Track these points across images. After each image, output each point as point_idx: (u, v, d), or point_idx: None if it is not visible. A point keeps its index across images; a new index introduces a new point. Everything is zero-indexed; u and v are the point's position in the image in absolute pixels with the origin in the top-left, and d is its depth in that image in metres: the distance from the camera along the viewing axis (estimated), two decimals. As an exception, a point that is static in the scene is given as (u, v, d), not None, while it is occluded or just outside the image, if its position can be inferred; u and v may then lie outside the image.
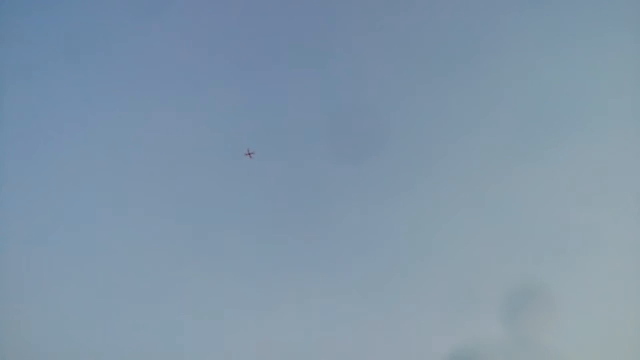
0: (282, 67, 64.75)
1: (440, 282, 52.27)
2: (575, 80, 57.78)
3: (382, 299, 53.30)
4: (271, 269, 56.15)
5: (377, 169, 60.40)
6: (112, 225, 57.88)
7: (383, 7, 63.39)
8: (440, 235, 56.13)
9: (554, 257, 50.45)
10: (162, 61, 64.08)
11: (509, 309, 48.55)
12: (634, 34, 54.78)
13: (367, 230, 58.13)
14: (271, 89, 64.78)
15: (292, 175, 62.12)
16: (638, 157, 52.06)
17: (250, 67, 64.89)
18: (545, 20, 59.36)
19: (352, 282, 54.58)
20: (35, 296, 51.36)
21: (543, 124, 57.45)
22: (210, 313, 53.01)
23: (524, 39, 59.82)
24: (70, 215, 57.60)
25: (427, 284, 53.17)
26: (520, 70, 59.77)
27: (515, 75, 59.77)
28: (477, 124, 59.75)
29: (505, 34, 59.96)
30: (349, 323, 51.97)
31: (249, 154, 59.90)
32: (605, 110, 55.69)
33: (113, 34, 62.59)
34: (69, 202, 58.29)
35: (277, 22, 65.25)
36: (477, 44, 60.29)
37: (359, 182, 60.77)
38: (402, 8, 62.72)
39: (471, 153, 59.21)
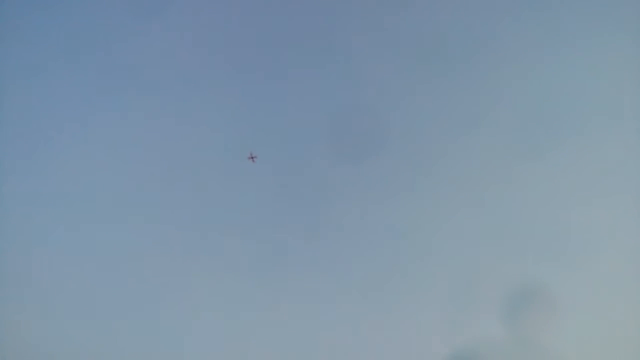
0: (282, 67, 64.76)
1: (441, 282, 52.28)
2: (576, 80, 57.79)
3: (382, 299, 53.32)
4: (271, 269, 56.16)
5: (376, 169, 60.44)
6: (112, 225, 57.90)
7: (383, 7, 63.42)
8: (440, 236, 56.14)
9: (554, 257, 50.43)
10: (162, 61, 64.13)
11: (509, 309, 48.55)
12: (635, 34, 54.77)
13: (367, 231, 58.16)
14: (271, 89, 64.82)
15: (292, 175, 62.16)
16: (639, 158, 52.07)
17: (250, 67, 64.93)
18: (546, 20, 59.40)
19: (352, 282, 54.60)
20: (35, 296, 51.39)
21: (544, 124, 57.44)
22: (210, 313, 53.03)
23: (525, 39, 59.85)
24: (71, 215, 57.65)
25: (427, 284, 53.19)
26: (521, 70, 59.80)
27: (515, 75, 59.78)
28: (477, 124, 59.74)
29: (505, 33, 59.98)
30: (349, 323, 51.99)
31: (252, 157, 59.90)
32: (607, 111, 55.69)
33: (113, 34, 62.65)
34: (69, 203, 58.33)
35: (277, 22, 65.29)
36: (477, 44, 60.30)
37: (359, 182, 60.80)
38: (402, 8, 62.72)
39: (471, 153, 59.22)
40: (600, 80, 56.69)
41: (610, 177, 53.13)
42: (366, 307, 52.85)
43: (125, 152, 61.77)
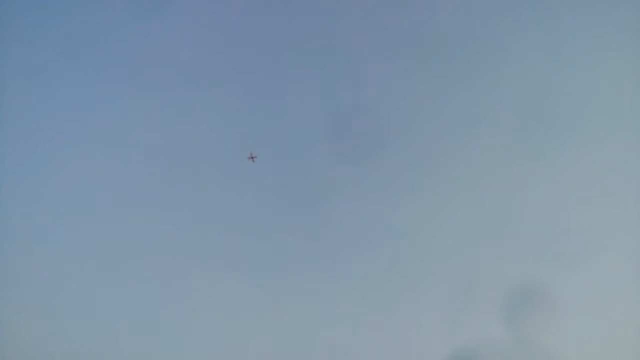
0: (282, 67, 64.76)
1: (441, 282, 52.28)
2: (576, 80, 57.80)
3: (382, 299, 53.32)
4: (271, 269, 56.16)
5: (376, 169, 60.45)
6: (112, 225, 57.89)
7: (383, 7, 63.43)
8: (440, 236, 56.15)
9: (554, 257, 50.43)
10: (162, 61, 64.12)
11: (509, 309, 48.55)
12: (635, 34, 54.78)
13: (367, 231, 58.16)
14: (271, 89, 64.83)
15: (292, 175, 62.16)
16: (639, 158, 52.08)
17: (250, 67, 64.93)
18: (546, 20, 59.40)
19: (352, 282, 54.61)
20: (35, 296, 51.38)
21: (543, 124, 57.46)
22: (210, 313, 53.02)
23: (525, 39, 59.86)
24: (71, 215, 57.65)
25: (427, 284, 53.18)
26: (521, 70, 59.80)
27: (515, 75, 59.79)
28: (477, 124, 59.76)
29: (506, 34, 59.98)
30: (349, 323, 51.99)
31: (252, 158, 59.87)
32: (607, 111, 55.71)
33: (113, 34, 62.64)
34: (69, 203, 58.33)
35: (277, 23, 65.29)
36: (477, 44, 60.31)
37: (359, 182, 60.80)
38: (402, 8, 62.73)
39: (471, 153, 59.23)
40: (601, 81, 56.72)
41: (610, 177, 53.14)
42: (366, 307, 52.87)
43: (125, 152, 61.80)
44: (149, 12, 61.69)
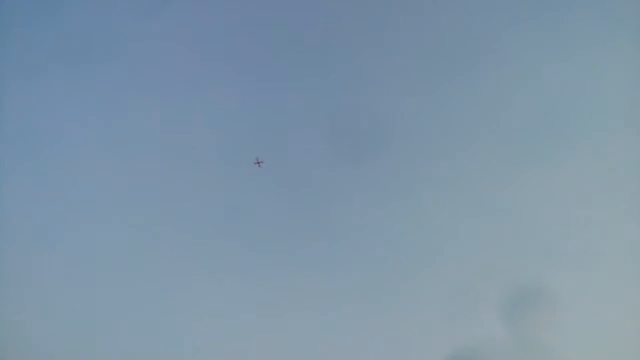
0: (283, 68, 64.76)
1: (442, 282, 52.34)
2: (578, 83, 57.78)
3: (383, 300, 53.36)
4: (271, 269, 56.19)
5: (378, 171, 60.49)
6: (113, 225, 57.91)
7: (385, 9, 63.45)
8: (441, 236, 56.21)
9: (555, 258, 50.48)
10: (162, 62, 64.09)
11: (510, 309, 48.58)
12: (637, 38, 54.83)
13: (369, 232, 58.19)
14: (272, 90, 64.82)
15: (293, 176, 62.18)
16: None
17: (250, 67, 64.94)
18: (549, 23, 59.35)
19: (352, 282, 54.63)
20: (35, 296, 51.38)
21: (545, 127, 57.51)
22: (211, 314, 53.04)
23: (528, 42, 59.84)
24: (71, 215, 57.66)
25: (428, 285, 53.23)
26: (523, 73, 59.81)
27: (517, 78, 59.82)
28: (479, 125, 59.81)
29: (509, 37, 59.99)
30: (350, 323, 52.03)
31: (258, 163, 59.89)
32: (609, 113, 55.72)
33: (113, 34, 62.63)
34: (69, 203, 58.35)
35: (278, 23, 65.29)
36: (480, 47, 60.36)
37: (361, 184, 60.83)
38: (404, 9, 62.77)
39: (472, 155, 59.26)
40: (603, 85, 56.65)
41: (610, 179, 53.20)
42: (367, 307, 52.91)
43: (125, 152, 61.77)
44: (149, 12, 61.74)
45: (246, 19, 65.25)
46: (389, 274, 54.55)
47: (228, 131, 63.62)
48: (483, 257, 52.87)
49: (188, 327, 52.15)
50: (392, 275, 54.55)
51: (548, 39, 59.35)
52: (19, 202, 55.96)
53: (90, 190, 59.18)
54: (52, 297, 51.66)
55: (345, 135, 61.53)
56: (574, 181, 54.83)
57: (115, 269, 54.81)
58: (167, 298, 53.70)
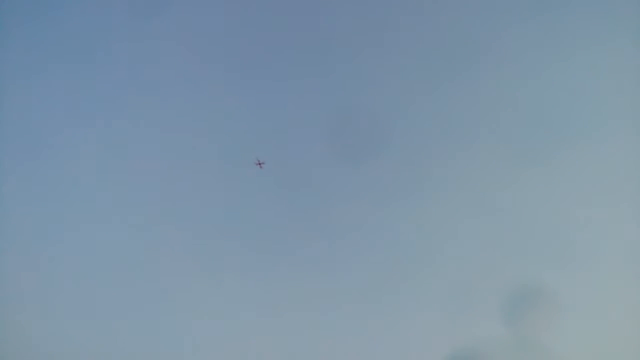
0: (283, 69, 64.73)
1: (443, 283, 52.33)
2: (579, 84, 57.78)
3: (383, 300, 53.35)
4: (272, 270, 56.19)
5: (378, 172, 60.51)
6: (113, 226, 57.91)
7: (385, 9, 63.42)
8: (441, 236, 56.22)
9: (555, 258, 50.48)
10: (162, 62, 64.05)
11: (509, 309, 48.58)
12: (637, 37, 54.81)
13: (369, 232, 58.20)
14: (273, 90, 64.80)
15: (294, 177, 62.17)
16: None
17: (250, 68, 64.91)
18: (549, 23, 59.32)
19: (352, 282, 54.63)
20: (35, 296, 51.37)
21: (545, 127, 57.53)
22: (212, 314, 53.05)
23: (528, 42, 59.83)
24: (71, 215, 57.65)
25: (428, 285, 53.22)
26: (523, 73, 59.81)
27: (517, 77, 59.82)
28: (479, 126, 59.81)
29: (509, 37, 59.96)
30: (350, 323, 52.03)
31: (259, 164, 59.93)
32: (609, 113, 55.71)
33: (113, 34, 62.62)
34: (69, 203, 58.33)
35: (278, 24, 65.26)
36: (481, 47, 60.32)
37: (361, 184, 60.84)
38: (404, 9, 62.75)
39: (472, 155, 59.26)
40: (603, 85, 56.65)
41: (610, 180, 53.19)
42: (367, 307, 52.91)
43: (125, 152, 61.76)
44: (149, 12, 61.69)
45: (246, 19, 65.26)
46: (389, 274, 54.55)
47: (228, 131, 63.68)
48: (483, 257, 52.88)
49: (188, 326, 52.15)
50: (392, 275, 54.56)
51: (548, 39, 59.36)
52: (19, 202, 55.97)
53: (90, 190, 59.21)
54: (52, 297, 51.66)
55: (345, 136, 61.56)
56: (574, 181, 54.85)
57: (115, 269, 54.84)
58: (168, 298, 53.71)
